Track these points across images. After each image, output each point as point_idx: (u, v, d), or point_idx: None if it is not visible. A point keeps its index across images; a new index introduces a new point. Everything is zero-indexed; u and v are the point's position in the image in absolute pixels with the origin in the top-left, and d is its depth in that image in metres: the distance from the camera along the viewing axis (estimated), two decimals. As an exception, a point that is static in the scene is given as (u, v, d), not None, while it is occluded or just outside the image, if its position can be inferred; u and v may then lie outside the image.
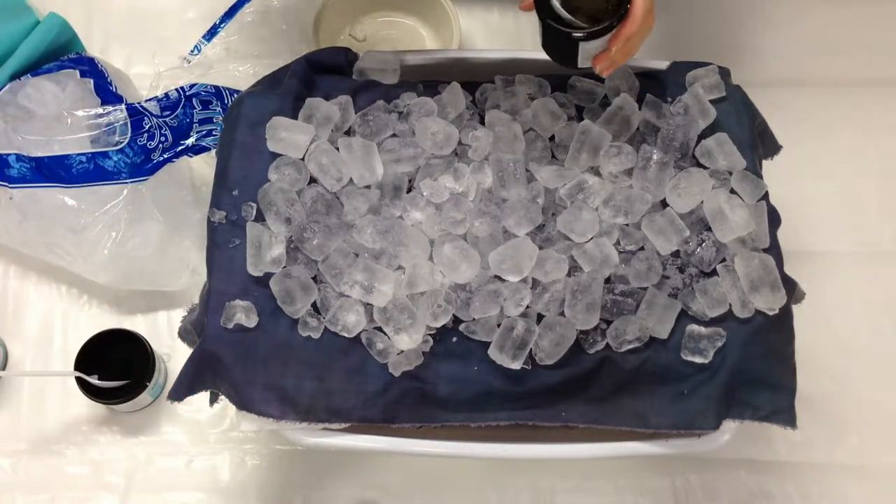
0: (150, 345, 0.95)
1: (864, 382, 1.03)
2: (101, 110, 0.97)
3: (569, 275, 0.78)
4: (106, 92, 1.00)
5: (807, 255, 1.05)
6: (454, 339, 0.77)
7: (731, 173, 0.82)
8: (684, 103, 0.85)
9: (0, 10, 1.02)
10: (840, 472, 1.00)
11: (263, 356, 0.76)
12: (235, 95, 0.98)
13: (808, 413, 0.91)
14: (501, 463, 0.98)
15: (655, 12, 0.74)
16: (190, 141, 1.01)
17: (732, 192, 0.81)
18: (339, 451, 0.97)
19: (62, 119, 0.96)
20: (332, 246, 0.78)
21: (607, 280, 0.78)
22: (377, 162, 0.81)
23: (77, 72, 1.01)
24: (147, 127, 0.99)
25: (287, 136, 0.82)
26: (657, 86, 0.88)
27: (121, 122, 0.97)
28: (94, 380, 0.92)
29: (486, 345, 0.76)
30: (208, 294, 0.79)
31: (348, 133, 0.85)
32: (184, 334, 0.83)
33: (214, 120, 1.03)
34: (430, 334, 0.77)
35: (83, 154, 0.96)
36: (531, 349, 0.75)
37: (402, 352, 0.76)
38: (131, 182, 0.97)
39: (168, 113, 1.01)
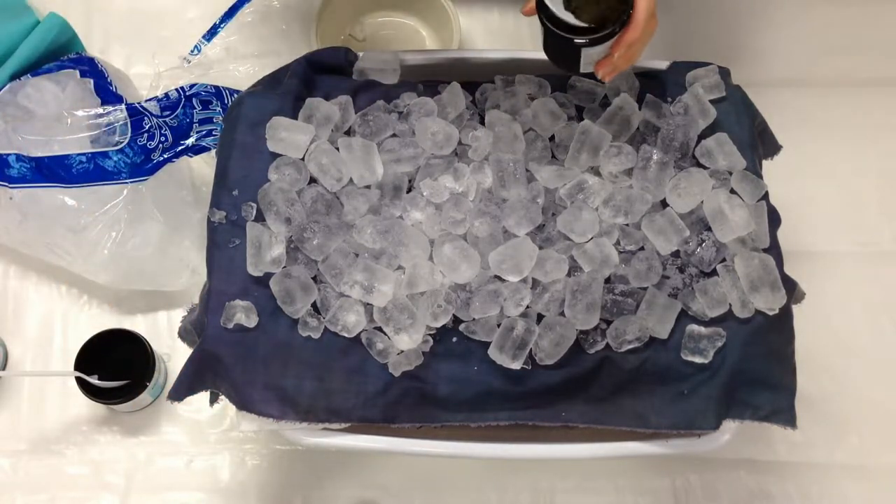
0: (150, 345, 0.95)
1: (864, 382, 1.03)
2: (101, 110, 0.97)
3: (569, 275, 0.78)
4: (106, 92, 1.00)
5: (807, 255, 1.05)
6: (454, 339, 0.77)
7: (731, 173, 0.82)
8: (684, 103, 0.85)
9: (0, 10, 1.02)
10: (840, 472, 1.00)
11: (263, 356, 0.76)
12: (235, 95, 0.98)
13: (808, 413, 0.91)
14: (501, 463, 0.98)
15: (658, 15, 0.74)
16: (190, 141, 1.01)
17: (732, 192, 0.81)
18: (339, 451, 0.97)
19: (62, 119, 0.96)
20: (332, 246, 0.78)
21: (607, 280, 0.78)
22: (377, 162, 0.81)
23: (77, 72, 1.01)
24: (147, 127, 0.99)
25: (287, 136, 0.82)
26: (657, 86, 0.88)
27: (121, 122, 0.97)
28: (94, 380, 0.91)
29: (486, 345, 0.76)
30: (208, 294, 0.79)
31: (348, 133, 0.85)
32: (184, 334, 0.83)
33: (214, 120, 1.03)
34: (430, 334, 0.77)
35: (83, 154, 0.96)
36: (531, 349, 0.75)
37: (402, 352, 0.76)
38: (131, 182, 0.97)
39: (168, 113, 1.01)
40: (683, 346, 0.77)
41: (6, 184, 0.95)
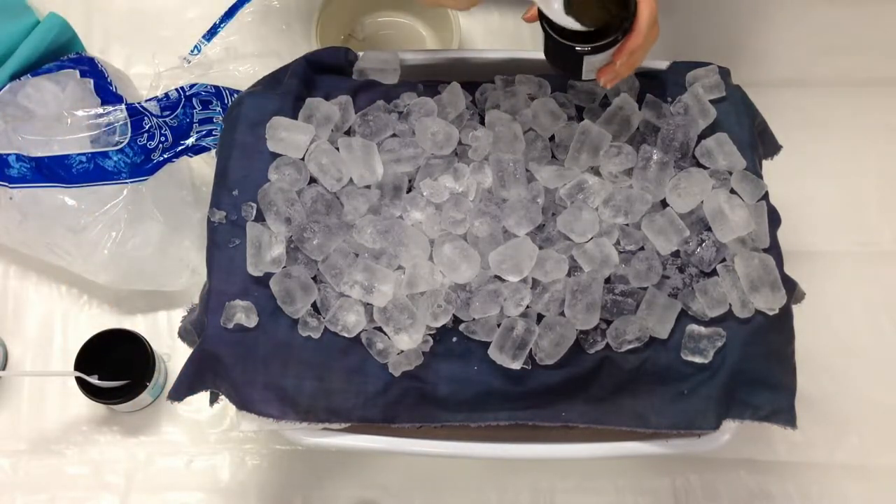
0: (150, 345, 0.95)
1: (864, 382, 1.03)
2: (101, 110, 0.97)
3: (569, 275, 0.78)
4: (106, 92, 1.00)
5: (807, 255, 1.05)
6: (454, 339, 0.77)
7: (731, 173, 0.82)
8: (684, 103, 0.85)
9: (0, 10, 1.02)
10: (840, 472, 1.00)
11: (263, 356, 0.76)
12: (235, 95, 0.98)
13: (808, 413, 0.91)
14: (501, 463, 0.98)
15: (659, 16, 0.74)
16: (190, 141, 1.01)
17: (732, 192, 0.81)
18: (339, 451, 0.97)
19: (62, 119, 0.96)
20: (332, 246, 0.78)
21: (607, 280, 0.78)
22: (377, 162, 0.81)
23: (77, 72, 1.01)
24: (147, 127, 0.99)
25: (287, 136, 0.82)
26: (657, 86, 0.88)
27: (121, 122, 0.98)
28: (94, 380, 0.92)
29: (486, 345, 0.76)
30: (208, 294, 0.79)
31: (348, 133, 0.85)
32: (184, 334, 0.83)
33: (214, 120, 1.03)
34: (430, 334, 0.77)
35: (83, 154, 0.96)
36: (531, 349, 0.75)
37: (402, 352, 0.76)
38: (131, 182, 0.97)
39: (168, 113, 1.01)
40: (683, 346, 0.77)
41: (6, 184, 0.95)
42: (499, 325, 0.76)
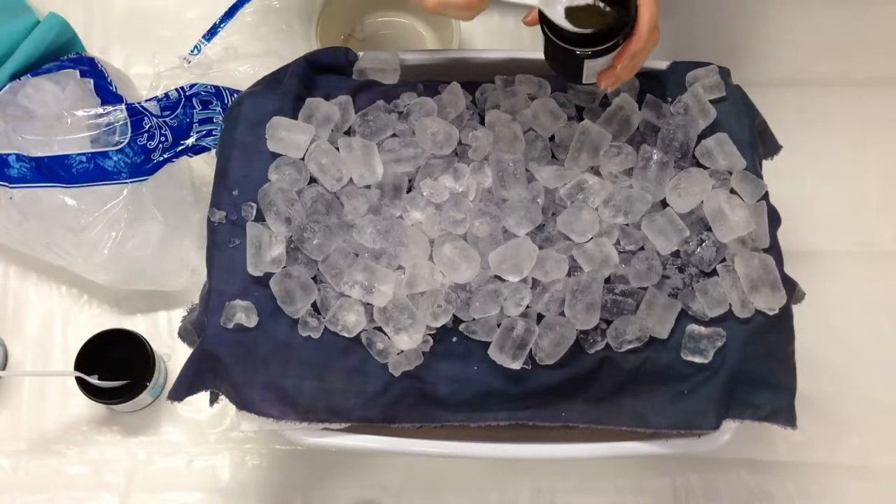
0: (150, 345, 0.95)
1: (864, 382, 1.03)
2: (101, 110, 0.97)
3: (569, 275, 0.78)
4: (106, 92, 1.00)
5: (807, 255, 1.05)
6: (454, 339, 0.77)
7: (731, 173, 0.82)
8: (684, 103, 0.85)
9: (0, 10, 1.02)
10: (840, 472, 1.00)
11: (263, 356, 0.76)
12: (235, 95, 0.98)
13: (808, 413, 0.91)
14: (501, 463, 0.98)
15: (659, 18, 0.74)
16: (190, 141, 1.01)
17: (732, 192, 0.81)
18: (339, 451, 0.97)
19: (62, 119, 0.96)
20: (332, 246, 0.78)
21: (607, 280, 0.78)
22: (377, 162, 0.81)
23: (77, 72, 1.01)
24: (147, 127, 0.99)
25: (287, 136, 0.82)
26: (657, 86, 0.88)
27: (121, 122, 0.98)
28: (94, 380, 0.92)
29: (486, 345, 0.76)
30: (208, 294, 0.79)
31: (348, 133, 0.85)
32: (184, 334, 0.83)
33: (214, 120, 1.03)
34: (430, 334, 0.77)
35: (83, 154, 0.96)
36: (531, 349, 0.75)
37: (402, 352, 0.76)
38: (131, 182, 0.97)
39: (168, 113, 1.01)
40: (683, 346, 0.77)
41: (6, 184, 0.95)
42: (499, 325, 0.76)
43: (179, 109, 1.02)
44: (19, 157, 0.95)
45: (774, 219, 0.83)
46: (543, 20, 0.72)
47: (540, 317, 0.77)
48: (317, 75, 0.88)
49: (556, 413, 0.77)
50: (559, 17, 0.70)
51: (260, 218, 0.80)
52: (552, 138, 0.86)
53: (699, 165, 0.83)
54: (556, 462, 0.97)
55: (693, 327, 0.77)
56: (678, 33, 1.17)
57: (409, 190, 0.83)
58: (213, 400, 0.80)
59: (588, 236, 0.79)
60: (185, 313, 0.84)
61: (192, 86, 1.03)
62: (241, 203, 0.81)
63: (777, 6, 1.22)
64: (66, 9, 1.07)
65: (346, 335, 0.76)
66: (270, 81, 0.88)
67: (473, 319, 0.77)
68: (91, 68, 1.02)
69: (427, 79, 0.90)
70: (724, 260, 0.79)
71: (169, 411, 1.00)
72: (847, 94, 1.18)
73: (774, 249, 0.81)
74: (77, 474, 0.97)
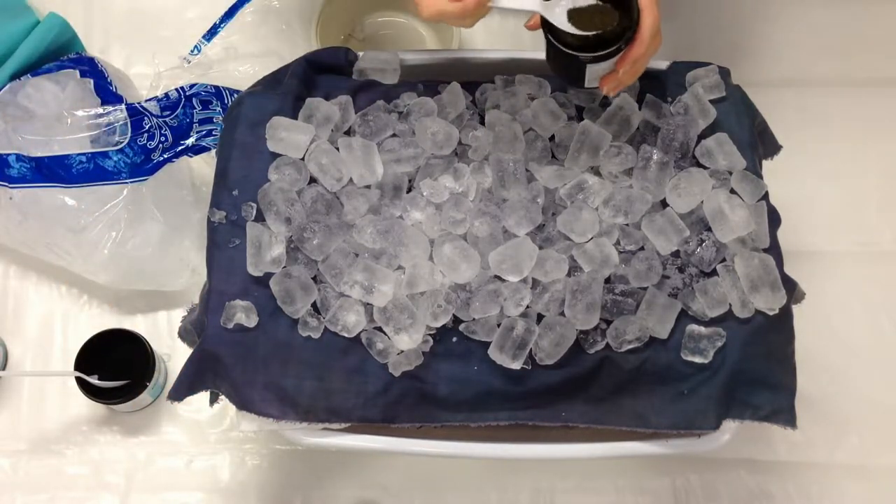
0: (150, 345, 0.95)
1: (864, 382, 1.03)
2: (101, 110, 0.97)
3: (569, 275, 0.78)
4: (106, 92, 1.00)
5: (807, 255, 1.05)
6: (454, 339, 0.77)
7: (731, 173, 0.82)
8: (684, 103, 0.85)
9: (0, 10, 1.02)
10: (840, 472, 1.00)
11: (263, 356, 0.76)
12: (235, 95, 0.98)
13: (808, 413, 0.91)
14: (501, 463, 0.98)
15: (661, 18, 0.74)
16: (190, 141, 1.01)
17: (732, 192, 0.81)
18: (339, 451, 0.97)
19: (62, 119, 0.96)
20: (332, 246, 0.78)
21: (607, 280, 0.78)
22: (377, 162, 0.81)
23: (77, 72, 1.01)
24: (147, 127, 0.99)
25: (287, 136, 0.82)
26: (657, 86, 0.88)
27: (121, 122, 0.98)
28: (94, 380, 0.92)
29: (486, 345, 0.76)
30: (208, 294, 0.79)
31: (348, 133, 0.85)
32: (184, 334, 0.83)
33: (214, 120, 1.03)
34: (430, 334, 0.77)
35: (83, 154, 0.96)
36: (531, 349, 0.75)
37: (402, 352, 0.76)
38: (131, 182, 0.97)
39: (168, 113, 1.01)
40: (683, 346, 0.77)
41: (6, 184, 0.95)
42: (499, 325, 0.76)
43: (179, 109, 1.02)
44: (19, 157, 0.95)
45: (774, 219, 0.83)
46: (546, 24, 0.72)
47: (540, 317, 0.77)
48: (317, 75, 0.88)
49: (556, 413, 0.77)
50: (561, 22, 0.70)
51: (260, 218, 0.80)
52: (552, 138, 0.86)
53: (699, 165, 0.83)
54: (556, 462, 0.97)
55: (693, 327, 0.77)
56: (679, 34, 1.17)
57: (409, 190, 0.83)
58: (213, 400, 0.80)
59: (588, 236, 0.79)
60: (185, 313, 0.84)
61: (192, 86, 1.03)
62: (241, 203, 0.81)
63: (777, 6, 1.22)
64: (66, 9, 1.07)
65: (346, 335, 0.76)
66: (270, 81, 0.88)
67: (473, 319, 0.77)
68: (91, 68, 1.02)
69: (427, 79, 0.90)
70: (724, 260, 0.79)
71: (169, 411, 1.00)
72: (847, 94, 1.18)
73: (774, 249, 0.81)
74: (77, 474, 0.97)
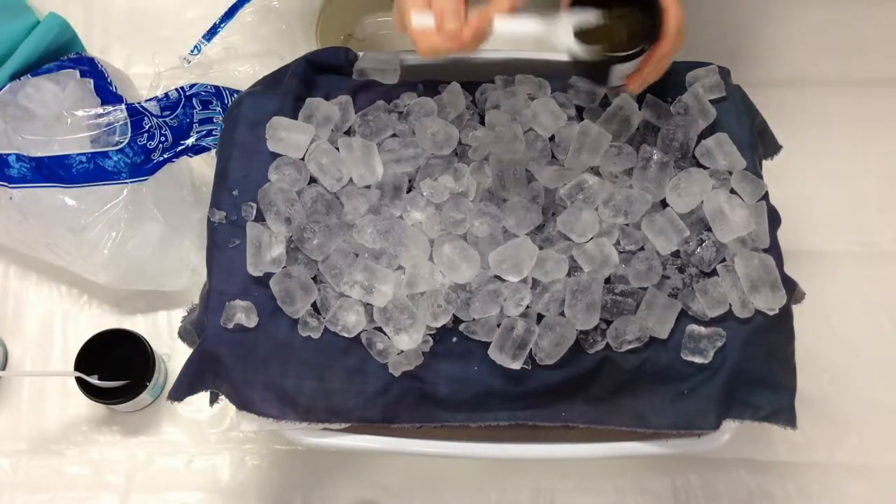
0: (150, 345, 0.95)
1: (864, 382, 1.03)
2: (101, 110, 0.97)
3: (569, 275, 0.78)
4: (106, 92, 1.00)
5: (807, 255, 1.05)
6: (454, 339, 0.77)
7: (731, 173, 0.82)
8: (684, 103, 0.85)
9: (0, 10, 1.02)
10: (840, 472, 1.00)
11: (263, 356, 0.76)
12: (235, 95, 0.98)
13: (808, 413, 0.91)
14: (501, 463, 0.98)
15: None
16: (190, 141, 1.01)
17: (732, 192, 0.81)
18: (339, 451, 0.97)
19: (62, 119, 0.96)
20: (332, 246, 0.78)
21: (607, 280, 0.78)
22: (377, 162, 0.81)
23: (77, 72, 1.01)
24: (147, 127, 0.99)
25: (287, 136, 0.82)
26: (657, 86, 0.88)
27: (121, 122, 0.98)
28: (94, 380, 0.92)
29: (486, 345, 0.76)
30: (208, 294, 0.79)
31: (348, 133, 0.85)
32: (184, 334, 0.83)
33: (214, 120, 1.03)
34: (430, 334, 0.77)
35: (83, 154, 0.96)
36: (531, 349, 0.75)
37: (402, 352, 0.76)
38: (131, 182, 0.97)
39: (168, 113, 1.01)
40: (683, 346, 0.77)
41: (6, 184, 0.95)
42: (499, 325, 0.76)
43: (179, 109, 1.02)
44: (19, 157, 0.95)
45: (774, 219, 0.83)
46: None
47: (540, 317, 0.77)
48: (317, 75, 0.88)
49: (556, 413, 0.77)
50: (567, 42, 0.70)
51: (260, 218, 0.80)
52: (552, 138, 0.86)
53: (699, 165, 0.83)
54: (556, 462, 0.97)
55: (693, 327, 0.77)
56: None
57: (409, 190, 0.83)
58: (213, 400, 0.80)
59: (588, 236, 0.79)
60: (185, 313, 0.84)
61: (192, 86, 1.03)
62: (241, 203, 0.81)
63: (778, 6, 1.22)
64: (66, 9, 1.07)
65: (346, 335, 0.76)
66: (270, 81, 0.88)
67: (473, 319, 0.77)
68: (91, 68, 1.02)
69: (427, 79, 0.90)
70: (724, 260, 0.79)
71: (169, 411, 1.00)
72: (847, 94, 1.18)
73: (774, 249, 0.81)
74: (77, 474, 0.97)
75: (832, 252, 1.10)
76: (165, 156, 1.00)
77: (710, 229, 0.80)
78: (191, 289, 1.02)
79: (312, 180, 0.82)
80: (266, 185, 0.80)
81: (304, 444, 0.77)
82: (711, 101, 0.86)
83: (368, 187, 0.82)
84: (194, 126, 1.02)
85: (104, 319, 1.03)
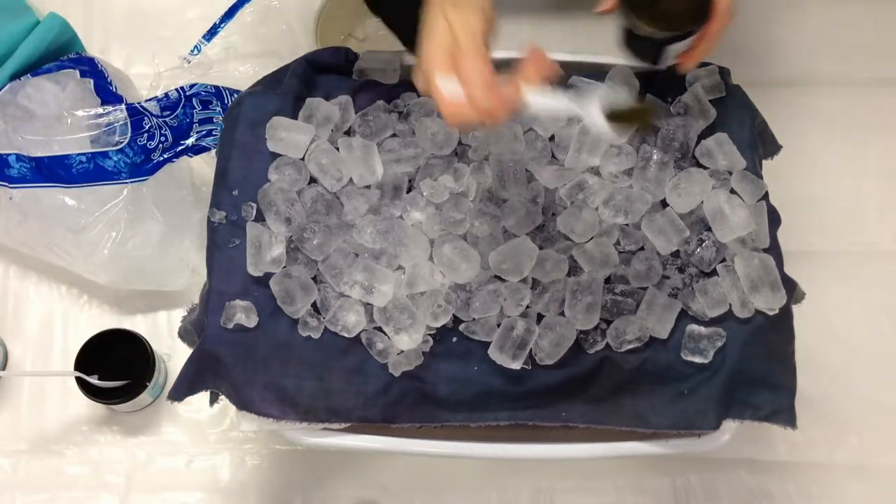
0: (150, 345, 0.95)
1: (864, 382, 1.03)
2: (101, 110, 0.97)
3: (569, 275, 0.78)
4: (106, 92, 1.00)
5: (807, 255, 1.05)
6: (454, 339, 0.77)
7: (731, 173, 0.82)
8: (684, 103, 0.85)
9: (0, 10, 1.02)
10: (840, 472, 1.00)
11: (263, 356, 0.76)
12: (235, 95, 0.98)
13: (808, 413, 0.90)
14: (501, 463, 0.98)
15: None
16: (190, 141, 1.01)
17: (732, 192, 0.81)
18: (339, 451, 0.97)
19: (62, 119, 0.96)
20: (332, 246, 0.78)
21: (607, 280, 0.78)
22: (377, 162, 0.81)
23: (77, 72, 1.01)
24: (147, 127, 0.99)
25: (287, 136, 0.82)
26: (657, 86, 0.88)
27: (121, 122, 0.97)
28: (94, 380, 0.91)
29: (486, 345, 0.76)
30: (208, 294, 0.79)
31: (348, 133, 0.85)
32: (184, 334, 0.83)
33: (214, 120, 1.03)
34: (430, 334, 0.77)
35: (83, 154, 0.96)
36: (531, 349, 0.75)
37: (402, 352, 0.76)
38: (131, 182, 0.97)
39: (168, 113, 1.01)
40: (683, 346, 0.77)
41: (6, 184, 0.95)
42: (499, 325, 0.76)
43: (179, 109, 1.02)
44: (19, 157, 0.95)
45: (774, 219, 0.83)
46: (624, 9, 0.74)
47: (540, 317, 0.77)
48: (317, 75, 0.88)
49: (556, 413, 0.77)
50: (598, 121, 0.65)
51: (260, 218, 0.80)
52: (552, 138, 0.86)
53: (699, 165, 0.83)
54: (556, 462, 0.97)
55: (693, 327, 0.77)
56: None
57: (409, 190, 0.83)
58: (213, 400, 0.80)
59: (588, 236, 0.79)
60: (185, 313, 0.84)
61: (192, 86, 1.03)
62: (241, 203, 0.81)
63: (778, 7, 1.22)
64: (66, 9, 1.07)
65: (346, 335, 0.76)
66: (270, 81, 0.88)
67: (473, 319, 0.77)
68: (91, 68, 1.02)
69: (427, 79, 0.90)
70: (724, 260, 0.79)
71: (169, 411, 1.00)
72: (847, 94, 1.18)
73: (774, 249, 0.81)
74: (77, 474, 0.97)
75: (832, 252, 1.09)
76: (165, 156, 1.00)
77: (710, 229, 0.80)
78: (191, 289, 1.02)
79: (312, 180, 0.82)
80: (266, 185, 0.80)
81: (304, 444, 0.77)
82: (711, 101, 0.86)
83: (368, 187, 0.82)
84: (194, 126, 1.02)
85: (104, 319, 1.03)
